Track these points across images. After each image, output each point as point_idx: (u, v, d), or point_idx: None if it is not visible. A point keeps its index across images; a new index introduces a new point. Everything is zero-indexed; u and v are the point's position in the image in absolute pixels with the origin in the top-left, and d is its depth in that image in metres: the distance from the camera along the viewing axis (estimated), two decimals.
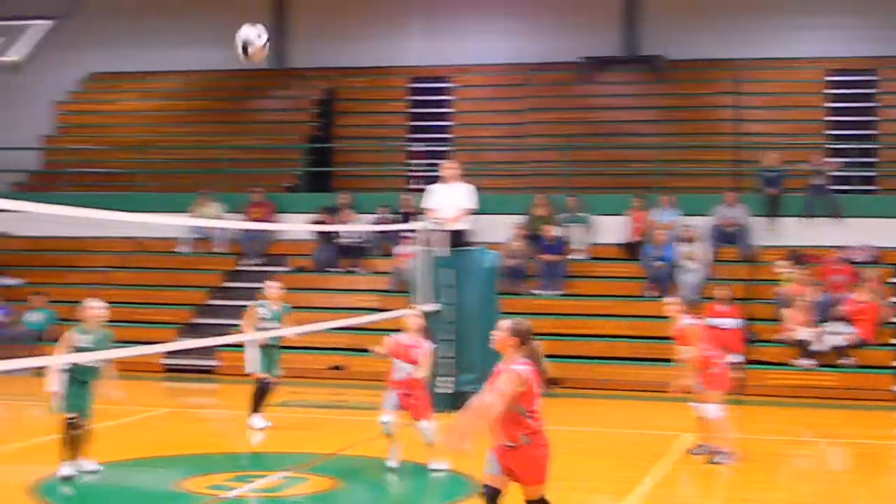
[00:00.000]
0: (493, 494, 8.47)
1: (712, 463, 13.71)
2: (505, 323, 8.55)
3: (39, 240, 25.89)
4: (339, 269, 24.20)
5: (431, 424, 12.95)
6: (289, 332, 15.65)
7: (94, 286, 24.34)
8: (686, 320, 13.85)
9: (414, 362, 12.90)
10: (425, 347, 13.07)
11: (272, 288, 15.99)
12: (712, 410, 13.65)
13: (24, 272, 25.22)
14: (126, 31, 30.85)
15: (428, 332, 13.76)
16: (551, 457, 8.51)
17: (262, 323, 15.54)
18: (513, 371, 8.34)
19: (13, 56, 22.82)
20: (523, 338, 8.47)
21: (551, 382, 8.69)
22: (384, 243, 24.32)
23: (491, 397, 8.26)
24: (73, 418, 12.17)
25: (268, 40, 11.25)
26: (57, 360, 11.92)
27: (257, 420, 15.59)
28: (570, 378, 20.87)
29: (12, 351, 20.89)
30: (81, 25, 27.44)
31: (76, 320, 12.52)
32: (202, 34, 30.40)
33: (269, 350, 15.64)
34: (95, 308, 12.43)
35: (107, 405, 12.46)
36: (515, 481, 8.47)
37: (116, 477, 13.11)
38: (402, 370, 12.91)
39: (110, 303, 12.60)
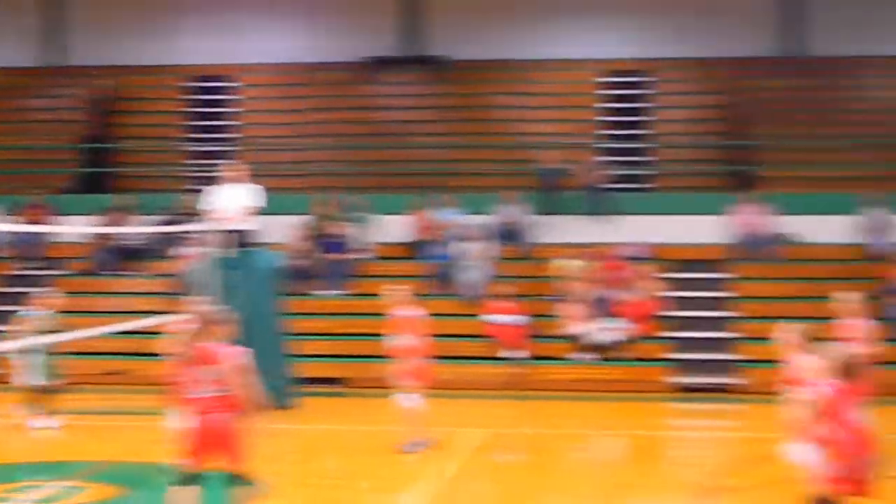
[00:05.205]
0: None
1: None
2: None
3: None
4: (121, 272, 23.72)
5: None
6: (69, 336, 15.32)
7: None
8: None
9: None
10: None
11: (40, 296, 16.42)
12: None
13: None
14: None
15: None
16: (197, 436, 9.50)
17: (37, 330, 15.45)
18: None
19: None
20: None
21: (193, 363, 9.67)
22: (166, 245, 23.96)
23: None
24: None
25: None
26: None
27: (41, 422, 15.32)
28: (355, 377, 20.96)
29: None
30: None
31: None
32: None
33: (45, 357, 15.88)
34: None
35: None
36: None
37: None
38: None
39: None
